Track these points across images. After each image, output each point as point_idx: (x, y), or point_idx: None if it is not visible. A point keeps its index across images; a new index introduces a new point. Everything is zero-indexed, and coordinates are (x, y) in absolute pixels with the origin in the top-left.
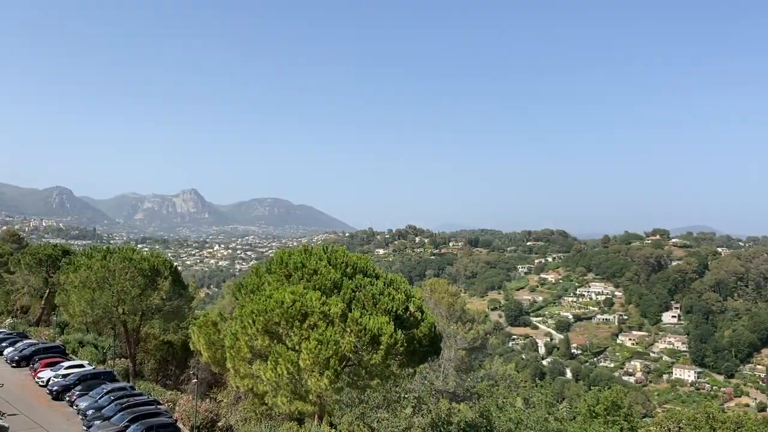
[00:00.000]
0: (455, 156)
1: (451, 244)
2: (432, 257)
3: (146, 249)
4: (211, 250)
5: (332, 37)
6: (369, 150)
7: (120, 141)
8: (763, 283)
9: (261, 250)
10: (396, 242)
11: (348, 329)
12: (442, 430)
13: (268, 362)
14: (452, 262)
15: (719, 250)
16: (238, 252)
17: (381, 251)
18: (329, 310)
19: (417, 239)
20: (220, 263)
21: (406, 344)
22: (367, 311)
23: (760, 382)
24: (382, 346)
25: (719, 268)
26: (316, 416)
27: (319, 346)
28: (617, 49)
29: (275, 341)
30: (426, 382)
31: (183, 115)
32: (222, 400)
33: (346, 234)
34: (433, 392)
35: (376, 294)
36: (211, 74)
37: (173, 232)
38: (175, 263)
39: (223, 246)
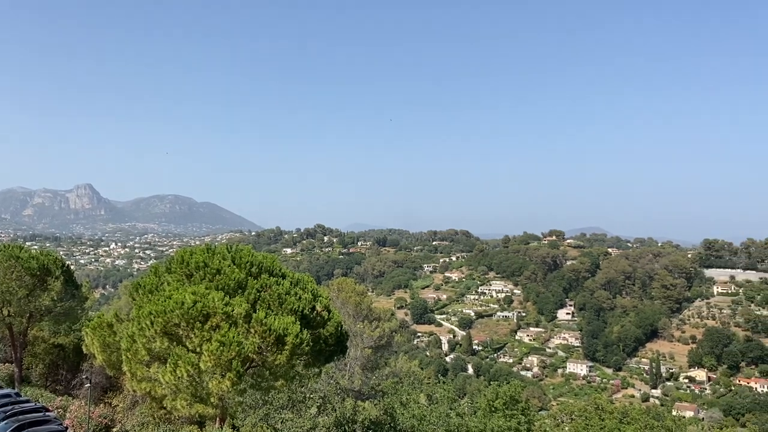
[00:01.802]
0: (363, 157)
1: (359, 243)
2: (340, 257)
3: (35, 247)
4: (107, 249)
5: (238, 33)
6: (277, 149)
7: (5, 131)
8: (648, 282)
9: (161, 249)
10: (304, 242)
11: (252, 330)
12: (346, 428)
13: (167, 365)
14: (360, 262)
15: (610, 250)
16: (137, 251)
17: (289, 251)
18: (233, 310)
19: (325, 239)
20: (117, 262)
21: (312, 344)
22: (273, 311)
23: (644, 374)
24: (287, 347)
25: (609, 268)
26: (218, 419)
27: (221, 348)
28: (517, 55)
29: (175, 343)
30: (332, 381)
31: (77, 106)
32: (117, 405)
33: (253, 233)
34: (339, 391)
35: (282, 294)
36: (108, 63)
37: (66, 230)
38: (68, 262)
39: (120, 244)
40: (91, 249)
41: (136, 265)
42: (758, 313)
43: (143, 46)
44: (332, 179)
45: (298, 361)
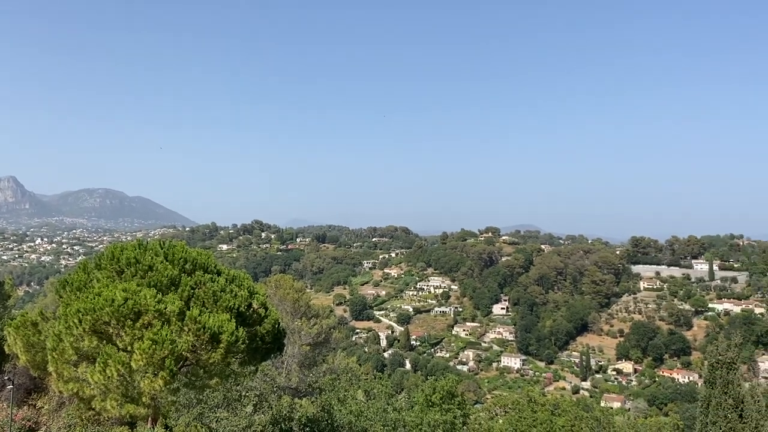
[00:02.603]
0: (303, 153)
1: (298, 239)
2: (279, 253)
3: None
4: (32, 244)
5: (170, 23)
6: (214, 143)
7: None
8: (578, 277)
9: (91, 244)
10: (241, 238)
11: (186, 328)
12: (283, 426)
13: (97, 364)
14: (299, 258)
15: (543, 247)
16: (64, 246)
17: (225, 247)
18: (165, 308)
19: (263, 235)
20: (43, 258)
21: (248, 342)
22: (207, 309)
23: (575, 367)
24: (222, 345)
25: (542, 264)
26: (150, 419)
27: (154, 346)
28: (453, 55)
29: (105, 342)
30: (268, 379)
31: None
32: (42, 407)
33: (187, 228)
34: (275, 389)
35: (217, 291)
36: (32, 53)
37: None
38: None
39: (46, 240)
40: (15, 244)
41: (63, 262)
42: (681, 307)
43: (69, 36)
44: (271, 175)
45: (234, 359)
